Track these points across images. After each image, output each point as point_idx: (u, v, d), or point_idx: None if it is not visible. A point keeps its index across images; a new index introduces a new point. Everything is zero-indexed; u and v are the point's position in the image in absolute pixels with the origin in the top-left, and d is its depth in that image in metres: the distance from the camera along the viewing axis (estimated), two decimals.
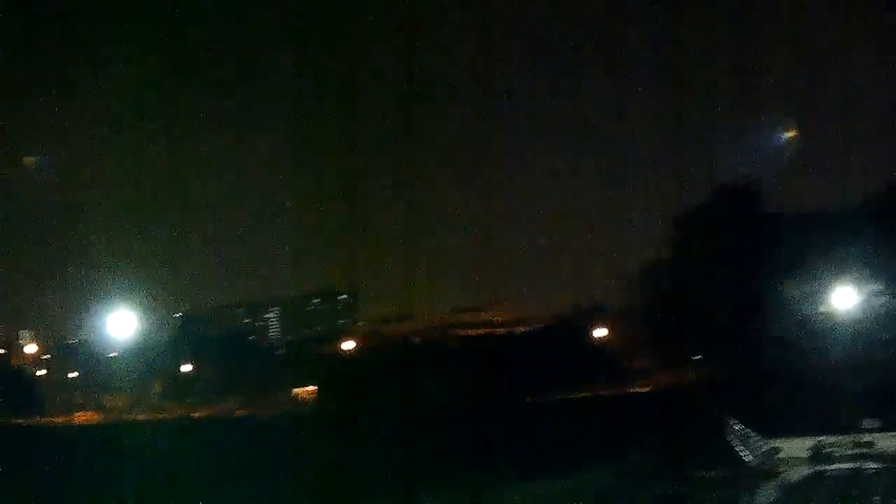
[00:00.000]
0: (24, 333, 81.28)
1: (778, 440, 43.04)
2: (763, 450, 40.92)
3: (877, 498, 33.91)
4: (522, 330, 57.47)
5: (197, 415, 58.51)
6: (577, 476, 38.29)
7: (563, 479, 37.91)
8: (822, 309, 53.76)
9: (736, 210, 64.23)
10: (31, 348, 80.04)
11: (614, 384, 52.48)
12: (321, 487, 40.02)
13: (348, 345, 61.05)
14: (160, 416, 60.15)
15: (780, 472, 39.07)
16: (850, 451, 41.54)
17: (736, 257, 60.07)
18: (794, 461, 40.87)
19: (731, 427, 41.91)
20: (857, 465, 39.33)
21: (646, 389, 52.59)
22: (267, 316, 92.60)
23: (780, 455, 41.39)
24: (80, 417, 65.15)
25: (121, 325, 64.91)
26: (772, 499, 35.11)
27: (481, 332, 57.94)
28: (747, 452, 39.90)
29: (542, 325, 60.20)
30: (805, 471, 39.17)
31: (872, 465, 39.15)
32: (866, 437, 43.65)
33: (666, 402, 51.69)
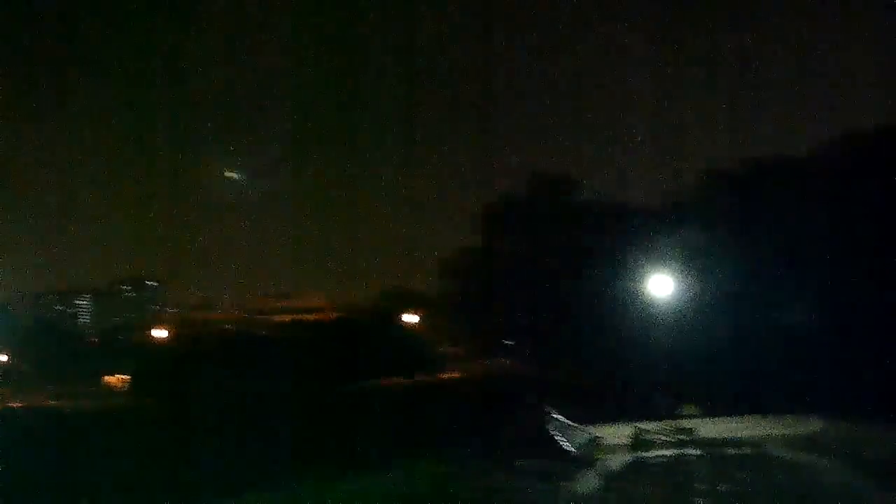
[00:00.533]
0: None
1: (598, 428, 41.84)
2: (583, 439, 39.31)
3: (699, 484, 32.85)
4: (333, 317, 54.62)
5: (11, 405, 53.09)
6: (393, 469, 35.33)
7: (379, 473, 34.84)
8: (639, 298, 53.43)
9: (550, 198, 64.03)
10: None
11: (428, 372, 50.32)
12: (129, 475, 36.48)
13: (158, 332, 57.33)
14: None
15: (601, 461, 37.55)
16: (670, 438, 40.56)
17: (549, 246, 59.58)
18: (615, 449, 39.56)
19: (551, 416, 40.16)
20: (679, 451, 38.37)
21: (461, 377, 50.68)
22: (78, 303, 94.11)
23: (601, 443, 39.95)
24: None
25: None
26: (593, 487, 33.34)
27: (290, 318, 54.71)
28: (567, 442, 38.14)
29: (352, 312, 57.63)
30: (626, 458, 37.85)
31: (693, 451, 38.26)
32: (686, 424, 43.08)
33: (482, 391, 49.94)
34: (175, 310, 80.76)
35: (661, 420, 43.98)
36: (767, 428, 41.31)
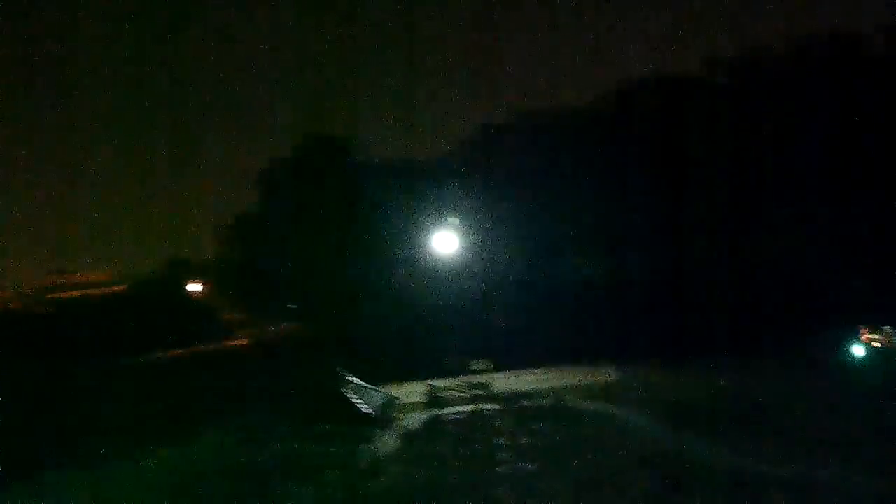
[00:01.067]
0: None
1: (393, 388, 40.44)
2: (379, 399, 37.66)
3: (497, 438, 32.03)
4: (115, 291, 51.11)
5: None
6: (190, 440, 32.40)
7: (175, 446, 31.81)
8: (423, 255, 52.50)
9: (325, 160, 61.97)
10: None
11: (214, 341, 47.45)
12: None
13: None
14: None
15: (398, 420, 36.07)
16: (465, 394, 39.69)
17: (325, 206, 57.60)
18: (412, 408, 38.20)
19: (345, 378, 38.23)
20: (475, 406, 37.50)
21: (247, 344, 48.08)
22: None
23: (397, 403, 38.50)
24: None
25: None
26: (393, 447, 31.76)
27: (73, 294, 50.92)
28: (363, 403, 36.33)
29: (135, 285, 54.13)
30: (423, 417, 36.53)
31: (489, 406, 37.51)
32: (480, 379, 42.47)
33: (270, 357, 47.61)
34: None
35: (455, 377, 43.21)
36: (562, 380, 41.33)
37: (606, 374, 41.01)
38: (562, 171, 55.09)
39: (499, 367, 46.80)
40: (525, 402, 37.28)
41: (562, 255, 52.85)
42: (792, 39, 55.65)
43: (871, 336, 40.33)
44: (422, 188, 56.70)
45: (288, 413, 35.74)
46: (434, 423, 35.39)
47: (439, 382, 41.77)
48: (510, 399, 38.06)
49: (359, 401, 36.40)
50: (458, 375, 43.98)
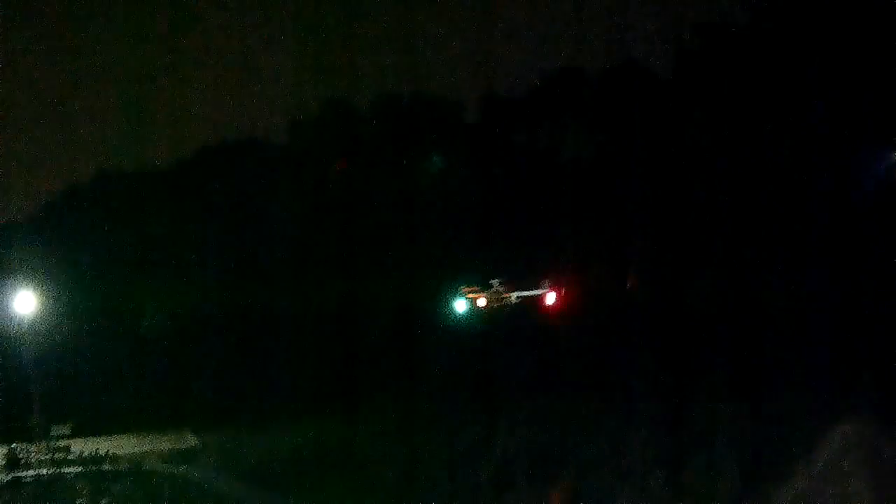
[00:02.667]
0: None
1: None
2: None
3: (79, 499, 34.30)
4: None
5: None
6: None
7: None
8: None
9: None
10: None
11: None
12: None
13: None
14: None
15: None
16: (47, 457, 40.83)
17: None
18: None
19: None
20: (56, 469, 38.94)
21: None
22: None
23: None
24: None
25: None
26: None
27: None
28: None
29: None
30: (3, 478, 37.36)
31: (71, 468, 39.19)
32: (62, 443, 43.53)
33: None
34: None
35: (37, 440, 43.76)
36: (144, 444, 43.79)
37: (188, 440, 44.23)
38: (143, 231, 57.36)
39: (80, 430, 47.83)
40: (106, 466, 39.52)
41: (144, 315, 55.09)
42: None
43: (471, 292, 40.65)
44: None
45: None
46: (14, 484, 36.47)
47: (21, 445, 42.26)
48: (91, 462, 40.02)
49: None
50: (40, 438, 44.48)
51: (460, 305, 39.80)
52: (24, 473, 38.12)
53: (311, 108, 61.41)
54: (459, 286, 42.18)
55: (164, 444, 43.53)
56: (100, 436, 45.33)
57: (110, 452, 41.92)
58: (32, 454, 41.25)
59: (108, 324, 54.86)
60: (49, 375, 51.42)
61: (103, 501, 33.90)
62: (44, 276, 53.22)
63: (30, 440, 43.86)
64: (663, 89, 53.77)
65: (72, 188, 64.24)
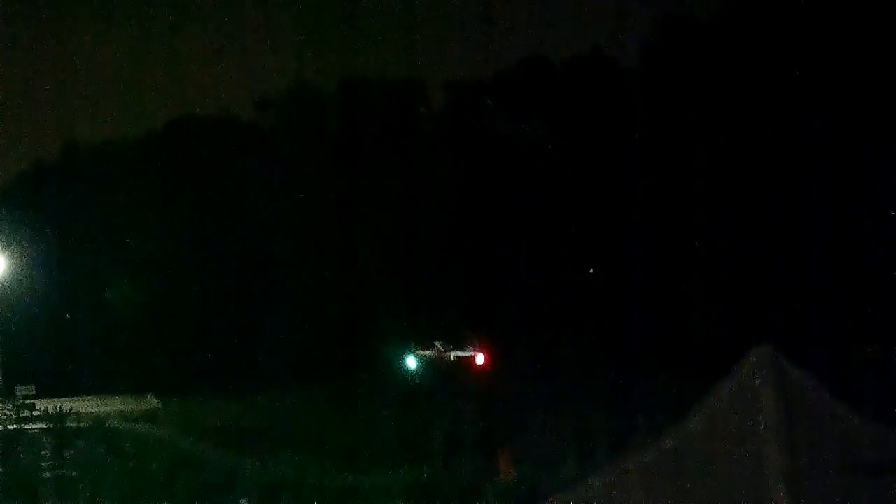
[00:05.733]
0: None
1: None
2: None
3: (44, 451, 35.84)
4: None
5: None
6: None
7: None
8: None
9: None
10: None
11: None
12: None
13: None
14: None
15: None
16: (11, 415, 42.13)
17: None
18: None
19: None
20: (21, 425, 40.28)
21: None
22: None
23: None
24: None
25: None
26: None
27: None
28: None
29: None
30: None
31: (36, 425, 40.56)
32: (26, 402, 44.81)
33: None
34: None
35: (1, 399, 45.05)
36: (107, 405, 45.33)
37: (150, 402, 45.88)
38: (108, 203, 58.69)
39: (46, 392, 49.15)
40: (69, 423, 40.92)
41: (110, 283, 56.51)
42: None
43: (421, 351, 48.28)
44: None
45: None
46: None
47: None
48: (54, 419, 41.38)
49: None
50: (4, 400, 45.69)
51: (411, 361, 48.11)
52: None
53: (279, 86, 63.20)
54: (410, 345, 49.97)
55: (127, 405, 45.10)
56: (63, 397, 46.76)
57: (74, 409, 43.28)
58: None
59: (74, 292, 56.33)
60: (14, 340, 52.82)
61: (67, 454, 35.30)
62: (12, 245, 54.60)
63: None
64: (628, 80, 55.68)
65: (40, 161, 65.71)
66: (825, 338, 35.65)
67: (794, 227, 45.19)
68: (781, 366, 12.18)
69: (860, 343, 37.28)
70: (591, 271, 54.93)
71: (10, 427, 40.00)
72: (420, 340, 48.58)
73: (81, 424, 40.80)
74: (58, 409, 42.87)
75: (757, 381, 11.96)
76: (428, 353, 48.21)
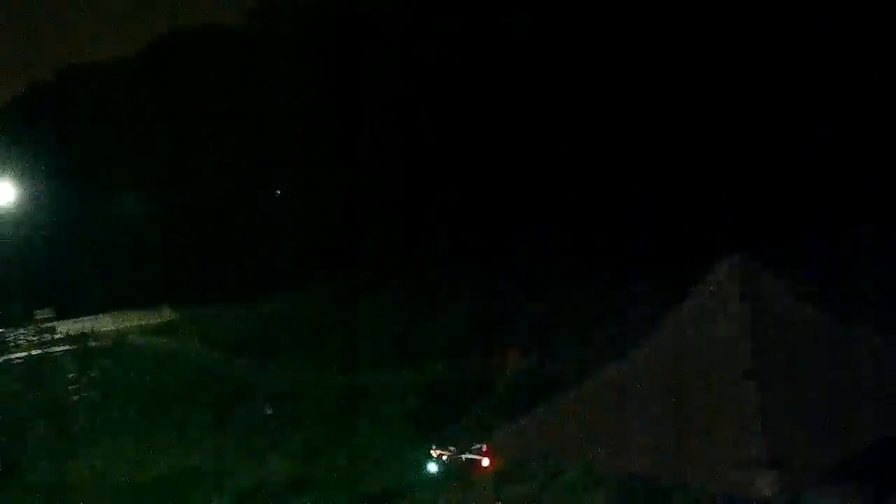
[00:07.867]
0: None
1: None
2: None
3: (69, 373, 37.07)
4: None
5: None
6: None
7: None
8: None
9: None
10: None
11: None
12: None
13: None
14: None
15: None
16: (33, 339, 43.21)
17: None
18: None
19: None
20: (44, 350, 41.36)
21: None
22: None
23: None
24: None
25: None
26: None
27: None
28: None
29: None
30: None
31: (58, 347, 41.68)
32: (46, 325, 45.85)
33: None
34: None
35: (20, 324, 45.96)
36: (124, 322, 46.35)
37: (165, 314, 46.82)
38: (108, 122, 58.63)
39: (64, 314, 50.20)
40: (91, 343, 42.09)
41: (116, 201, 56.93)
42: None
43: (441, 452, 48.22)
44: None
45: None
46: (3, 367, 39.02)
47: (5, 330, 44.58)
48: (76, 340, 42.55)
49: None
50: (23, 322, 46.68)
51: (433, 466, 46.93)
52: (13, 356, 40.49)
53: None
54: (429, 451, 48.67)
55: (143, 320, 46.11)
56: (81, 317, 47.86)
57: (94, 329, 44.40)
58: (21, 337, 43.65)
59: (83, 210, 56.85)
60: (28, 263, 53.68)
61: (91, 374, 36.57)
62: (15, 170, 54.84)
63: (15, 326, 46.22)
64: None
65: (37, 84, 65.46)
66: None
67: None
68: (751, 273, 12.73)
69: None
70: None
71: (33, 353, 41.11)
72: None
73: (102, 344, 41.96)
74: (78, 332, 44.13)
75: (726, 289, 12.53)
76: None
